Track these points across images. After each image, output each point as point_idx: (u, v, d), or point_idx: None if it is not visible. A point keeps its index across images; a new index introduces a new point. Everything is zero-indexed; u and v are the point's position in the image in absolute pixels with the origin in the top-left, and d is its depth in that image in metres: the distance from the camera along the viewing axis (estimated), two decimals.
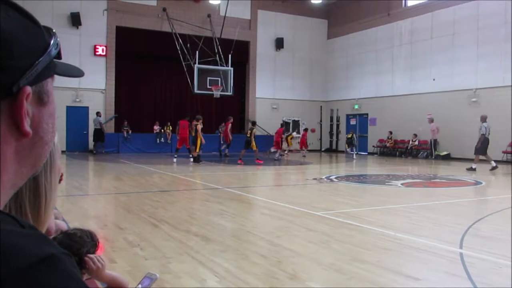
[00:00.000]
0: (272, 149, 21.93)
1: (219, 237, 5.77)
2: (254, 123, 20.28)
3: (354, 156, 22.74)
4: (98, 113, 23.09)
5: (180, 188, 10.97)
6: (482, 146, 16.41)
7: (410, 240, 5.68)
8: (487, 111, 20.65)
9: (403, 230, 6.26)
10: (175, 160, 18.59)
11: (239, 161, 18.17)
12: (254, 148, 18.72)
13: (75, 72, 0.86)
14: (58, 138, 1.02)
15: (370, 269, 4.43)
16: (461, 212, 7.83)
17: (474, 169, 16.04)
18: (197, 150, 17.63)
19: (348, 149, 24.90)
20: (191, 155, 18.63)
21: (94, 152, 22.59)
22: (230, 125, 21.54)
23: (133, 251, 5.03)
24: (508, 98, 19.92)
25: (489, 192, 10.52)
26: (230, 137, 21.69)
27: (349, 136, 24.69)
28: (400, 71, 25.28)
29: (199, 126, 17.53)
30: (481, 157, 16.72)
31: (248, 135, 19.00)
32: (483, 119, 16.58)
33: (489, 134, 16.51)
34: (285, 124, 22.19)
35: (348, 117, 29.04)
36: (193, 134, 18.44)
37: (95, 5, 23.72)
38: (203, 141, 17.73)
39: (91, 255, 2.10)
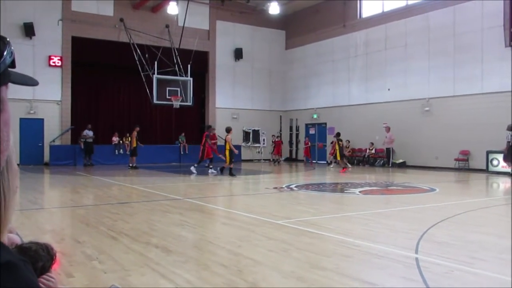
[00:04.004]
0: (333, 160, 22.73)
1: (180, 248, 5.73)
2: (339, 134, 21.53)
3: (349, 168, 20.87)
4: (88, 126, 23.01)
5: (140, 199, 10.83)
6: (509, 153, 17.11)
7: (368, 246, 5.80)
8: (439, 119, 21.40)
9: (361, 237, 6.38)
10: (210, 171, 18.28)
11: (343, 170, 19.88)
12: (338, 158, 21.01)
13: (29, 81, 0.86)
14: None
15: (329, 276, 4.50)
16: (416, 218, 8.05)
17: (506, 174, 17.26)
18: (227, 163, 16.90)
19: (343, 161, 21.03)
20: (210, 167, 18.59)
21: (88, 164, 22.55)
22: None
23: (91, 265, 4.93)
24: (458, 108, 20.67)
25: (442, 199, 10.85)
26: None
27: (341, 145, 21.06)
28: (356, 81, 25.84)
29: (229, 137, 16.94)
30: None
31: (341, 146, 20.78)
32: (510, 127, 17.15)
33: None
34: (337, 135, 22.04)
35: (307, 126, 29.41)
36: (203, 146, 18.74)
37: (50, 15, 23.22)
38: (235, 151, 17.36)
39: (39, 279, 2.03)
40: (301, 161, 27.38)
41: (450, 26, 21.07)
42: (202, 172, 19.54)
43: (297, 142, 30.09)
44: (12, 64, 0.73)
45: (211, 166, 18.62)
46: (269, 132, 28.59)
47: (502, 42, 18.95)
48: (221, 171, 17.21)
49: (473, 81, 20.14)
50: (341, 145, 20.80)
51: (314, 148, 27.70)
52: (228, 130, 17.24)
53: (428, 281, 4.33)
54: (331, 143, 22.69)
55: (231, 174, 16.69)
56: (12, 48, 0.73)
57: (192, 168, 18.50)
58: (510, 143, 17.15)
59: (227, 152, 16.77)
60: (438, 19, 21.59)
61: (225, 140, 17.05)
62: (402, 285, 4.35)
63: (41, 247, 2.18)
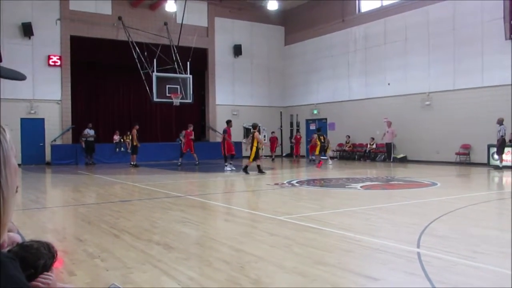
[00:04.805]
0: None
1: (182, 245, 5.74)
2: (319, 130, 21.59)
3: (330, 161, 21.69)
4: (89, 125, 23.05)
5: (141, 197, 10.84)
6: (501, 147, 17.31)
7: (370, 241, 5.80)
8: (439, 114, 21.37)
9: (363, 232, 6.39)
10: (228, 168, 18.01)
11: (319, 164, 19.56)
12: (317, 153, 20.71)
13: (17, 76, 0.85)
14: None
15: (331, 271, 4.51)
16: (417, 213, 8.05)
17: (501, 168, 17.24)
18: (251, 160, 16.54)
19: (314, 157, 21.64)
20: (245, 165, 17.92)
21: (90, 163, 22.59)
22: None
23: (93, 263, 4.94)
24: (458, 102, 20.64)
25: (443, 193, 10.85)
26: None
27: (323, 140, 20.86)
28: (356, 76, 25.80)
29: (256, 134, 16.52)
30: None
31: (323, 141, 20.43)
32: (500, 121, 17.33)
33: (504, 135, 17.32)
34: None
35: (308, 122, 29.40)
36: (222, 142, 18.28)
37: (48, 15, 23.18)
38: (263, 147, 16.97)
39: (37, 279, 2.03)
40: (302, 157, 27.34)
41: (450, 19, 21.01)
42: (203, 168, 19.54)
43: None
44: None
45: (230, 162, 18.23)
46: (269, 128, 28.58)
47: (502, 35, 18.89)
48: (246, 169, 16.55)
49: (474, 74, 20.10)
50: (322, 141, 20.59)
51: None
52: (255, 126, 17.05)
53: (430, 275, 4.34)
54: (310, 139, 22.39)
55: (246, 171, 16.40)
56: None
57: (226, 167, 18.06)
58: (504, 137, 17.24)
59: (254, 149, 16.37)
60: (437, 13, 21.52)
61: (253, 136, 16.66)
62: (404, 279, 4.35)
63: (42, 245, 2.19)
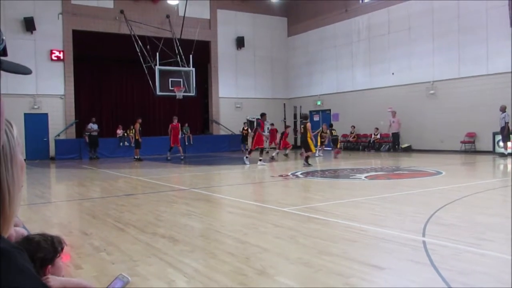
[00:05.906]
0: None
1: (187, 238, 5.75)
2: (331, 125, 21.79)
3: (320, 154, 21.32)
4: (92, 120, 23.17)
5: (145, 191, 10.86)
6: (508, 133, 17.50)
7: (375, 231, 5.80)
8: (444, 102, 21.27)
9: (368, 221, 6.38)
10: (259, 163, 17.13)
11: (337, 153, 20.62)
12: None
13: (22, 70, 0.84)
14: None
15: (336, 261, 4.51)
16: (422, 202, 8.04)
17: (506, 155, 17.37)
18: (313, 150, 16.40)
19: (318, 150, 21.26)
20: (246, 156, 17.73)
21: (94, 157, 22.74)
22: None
23: (99, 256, 4.96)
24: (463, 90, 20.53)
25: (448, 182, 10.82)
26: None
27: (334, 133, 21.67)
28: (359, 66, 25.68)
29: (308, 125, 16.34)
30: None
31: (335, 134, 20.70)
32: (503, 109, 17.40)
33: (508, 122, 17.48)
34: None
35: (312, 113, 29.32)
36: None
37: (50, 9, 23.13)
38: (312, 140, 16.71)
39: None
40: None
41: (454, 6, 20.84)
42: (207, 162, 19.55)
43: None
44: (4, 52, 0.71)
45: (260, 158, 17.53)
46: (273, 120, 28.48)
47: (507, 22, 18.72)
48: (307, 160, 16.05)
49: (479, 62, 19.96)
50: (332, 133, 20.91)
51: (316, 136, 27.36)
52: (306, 117, 17.19)
53: (435, 263, 4.33)
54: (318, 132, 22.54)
55: (308, 163, 16.02)
56: (4, 37, 0.72)
57: (244, 158, 17.70)
58: (508, 124, 17.20)
59: (309, 140, 16.25)
60: (441, 1, 21.34)
61: (305, 127, 16.43)
62: (410, 268, 4.34)
63: (45, 239, 2.19)
